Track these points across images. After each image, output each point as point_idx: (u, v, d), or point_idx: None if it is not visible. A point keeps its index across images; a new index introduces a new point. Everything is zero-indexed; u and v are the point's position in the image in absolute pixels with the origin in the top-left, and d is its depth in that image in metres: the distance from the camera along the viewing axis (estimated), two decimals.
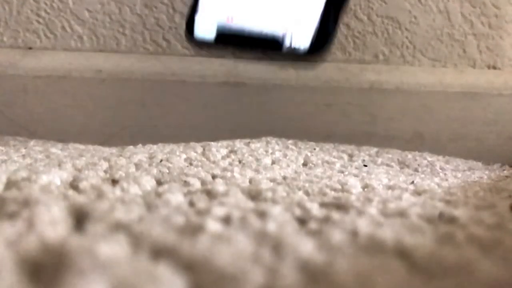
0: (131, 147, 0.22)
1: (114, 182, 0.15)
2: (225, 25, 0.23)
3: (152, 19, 0.31)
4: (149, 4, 0.31)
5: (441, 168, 0.23)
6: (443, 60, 0.31)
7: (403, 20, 0.31)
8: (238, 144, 0.24)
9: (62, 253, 0.10)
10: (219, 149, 0.22)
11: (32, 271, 0.09)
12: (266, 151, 0.24)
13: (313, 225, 0.12)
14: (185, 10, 0.31)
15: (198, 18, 0.24)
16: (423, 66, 0.31)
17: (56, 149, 0.22)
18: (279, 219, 0.12)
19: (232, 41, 0.23)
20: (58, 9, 0.32)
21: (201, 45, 0.24)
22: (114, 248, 0.10)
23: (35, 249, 0.10)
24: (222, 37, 0.23)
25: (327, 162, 0.23)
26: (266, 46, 0.22)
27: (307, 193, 0.15)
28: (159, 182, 0.16)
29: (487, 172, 0.22)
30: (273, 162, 0.21)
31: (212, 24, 0.24)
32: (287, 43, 0.22)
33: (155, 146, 0.22)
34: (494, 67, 0.31)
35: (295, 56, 0.22)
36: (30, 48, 0.32)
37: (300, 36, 0.22)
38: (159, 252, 0.10)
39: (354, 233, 0.11)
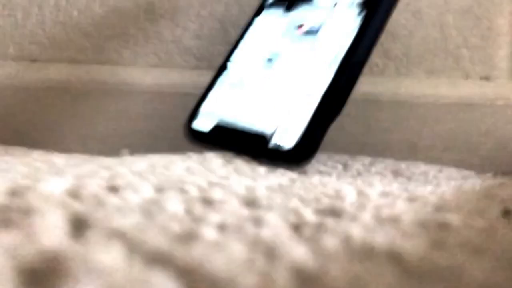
0: (131, 157, 0.22)
1: (114, 190, 0.15)
2: (221, 120, 0.24)
3: (154, 33, 0.32)
4: (150, 18, 0.32)
5: (435, 177, 0.23)
6: (436, 72, 0.32)
7: (398, 33, 0.32)
8: (234, 154, 0.24)
9: (60, 261, 0.10)
10: (216, 159, 0.22)
11: (29, 278, 0.09)
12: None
13: (307, 231, 0.12)
14: (186, 24, 0.32)
15: (200, 111, 0.25)
16: (417, 78, 0.32)
17: (59, 159, 0.22)
18: (274, 226, 0.12)
19: (224, 134, 0.23)
20: (62, 22, 0.32)
21: (196, 137, 0.25)
22: (110, 256, 0.10)
23: (33, 257, 0.10)
24: (216, 129, 0.24)
25: (322, 172, 0.23)
26: (254, 142, 0.22)
27: (301, 200, 0.15)
28: (157, 190, 0.16)
29: (480, 180, 0.23)
30: (269, 172, 0.21)
31: (210, 119, 0.24)
32: (273, 140, 0.21)
33: (154, 157, 0.22)
34: (487, 79, 0.31)
35: (278, 157, 0.21)
36: (34, 60, 0.33)
37: (286, 136, 0.21)
38: (155, 259, 0.10)
39: (347, 239, 0.12)
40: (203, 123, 0.24)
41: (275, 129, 0.22)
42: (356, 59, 0.23)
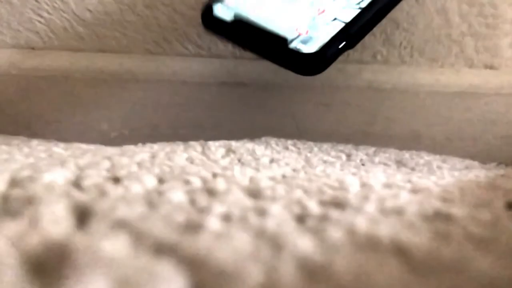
0: (132, 146, 0.22)
1: (116, 180, 0.15)
2: (243, 13, 0.24)
3: (153, 20, 0.32)
4: (149, 4, 0.32)
5: (438, 167, 0.23)
6: (440, 60, 0.31)
7: (401, 21, 0.31)
8: (238, 144, 0.24)
9: (65, 250, 0.10)
10: (218, 148, 0.22)
11: (35, 268, 0.10)
12: (266, 151, 0.24)
13: (311, 222, 0.12)
14: (186, 11, 0.32)
15: (224, 2, 0.25)
16: (420, 66, 0.31)
17: (58, 149, 0.22)
18: (278, 217, 0.12)
19: (245, 29, 0.23)
20: (60, 9, 0.32)
21: (214, 26, 0.24)
22: (115, 246, 0.10)
23: (38, 247, 0.10)
24: (238, 22, 0.24)
25: (326, 161, 0.23)
26: (274, 42, 0.23)
27: (305, 191, 0.15)
28: (160, 181, 0.16)
29: (483, 171, 0.23)
30: (272, 161, 0.21)
31: (234, 11, 0.24)
32: (293, 44, 0.23)
33: (155, 146, 0.22)
34: (491, 67, 0.31)
35: (295, 60, 0.22)
36: (32, 48, 0.32)
37: (306, 44, 0.23)
38: (160, 250, 0.10)
39: (352, 231, 0.12)
40: (226, 13, 0.24)
41: (297, 36, 0.23)
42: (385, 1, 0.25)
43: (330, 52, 0.22)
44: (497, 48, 0.31)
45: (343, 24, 0.23)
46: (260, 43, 0.23)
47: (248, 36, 0.23)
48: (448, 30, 0.31)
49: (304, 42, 0.23)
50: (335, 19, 0.24)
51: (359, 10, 0.24)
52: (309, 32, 0.23)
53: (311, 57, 0.22)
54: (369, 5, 0.24)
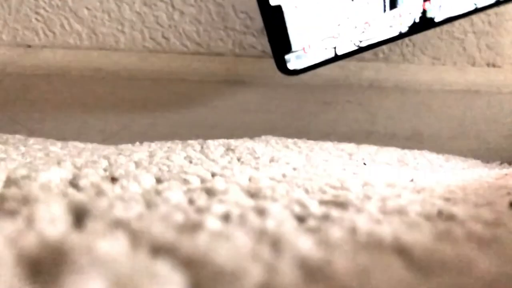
0: (130, 145, 0.22)
1: (114, 180, 0.15)
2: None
3: (151, 17, 0.32)
4: (148, 2, 0.31)
5: (441, 166, 0.23)
6: (442, 58, 0.31)
7: None
8: (238, 143, 0.24)
9: (62, 250, 0.10)
10: (217, 147, 0.22)
11: (31, 268, 0.09)
12: (266, 150, 0.24)
13: (312, 222, 0.12)
14: (185, 8, 0.31)
15: None
16: (422, 64, 0.31)
17: (55, 148, 0.22)
18: (278, 217, 0.12)
19: (270, 9, 0.24)
20: (57, 7, 0.32)
21: None
22: (113, 245, 0.10)
23: (34, 247, 0.10)
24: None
25: (327, 161, 0.23)
26: (281, 40, 0.24)
27: (306, 191, 0.15)
28: (158, 180, 0.16)
29: (486, 170, 0.22)
30: (272, 160, 0.21)
31: None
32: (290, 55, 0.24)
33: (153, 144, 0.22)
34: (494, 65, 0.31)
35: (282, 64, 0.24)
36: (29, 46, 0.32)
37: (299, 59, 0.25)
38: (159, 249, 0.10)
39: (353, 230, 0.11)
40: None
41: (300, 49, 0.24)
42: (381, 44, 0.26)
43: (308, 70, 0.25)
44: (500, 46, 0.31)
45: (333, 55, 0.25)
46: (271, 26, 0.23)
47: (270, 16, 0.23)
48: (450, 28, 0.31)
49: (299, 57, 0.25)
50: (334, 47, 0.25)
51: (356, 48, 0.25)
52: (310, 49, 0.24)
53: (292, 71, 0.25)
54: (367, 46, 0.25)
